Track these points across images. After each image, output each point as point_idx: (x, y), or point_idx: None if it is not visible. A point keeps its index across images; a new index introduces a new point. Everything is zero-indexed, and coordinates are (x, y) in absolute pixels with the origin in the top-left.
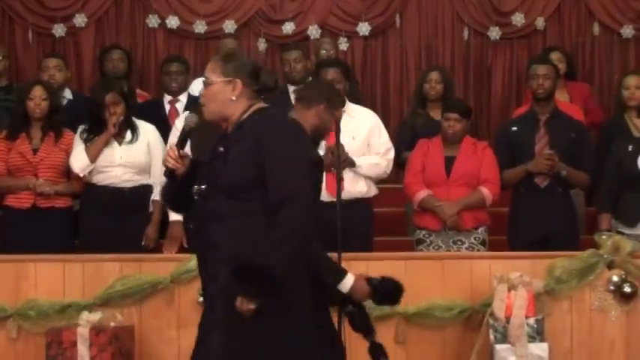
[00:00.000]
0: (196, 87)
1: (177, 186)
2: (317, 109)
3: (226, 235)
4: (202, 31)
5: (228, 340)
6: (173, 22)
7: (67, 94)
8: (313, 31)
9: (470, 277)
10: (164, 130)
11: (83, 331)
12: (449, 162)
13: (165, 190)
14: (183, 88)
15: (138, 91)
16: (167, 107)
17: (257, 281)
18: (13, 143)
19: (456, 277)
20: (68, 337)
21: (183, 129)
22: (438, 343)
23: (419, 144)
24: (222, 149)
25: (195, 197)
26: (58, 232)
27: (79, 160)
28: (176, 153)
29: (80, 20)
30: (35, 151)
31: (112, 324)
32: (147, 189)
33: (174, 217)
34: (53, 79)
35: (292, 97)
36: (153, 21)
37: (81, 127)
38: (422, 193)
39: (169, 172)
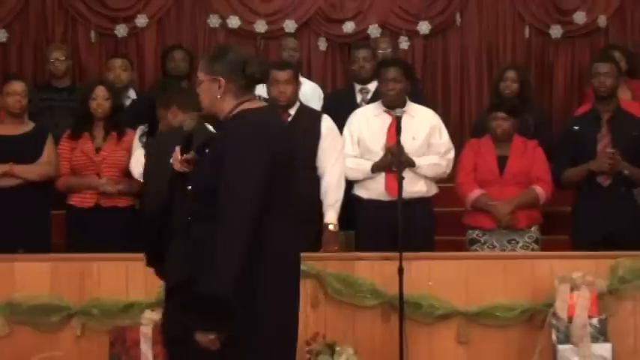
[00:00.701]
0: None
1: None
2: (172, 109)
3: (199, 240)
4: (263, 31)
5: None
6: (234, 21)
7: (132, 94)
8: (373, 30)
9: (532, 277)
10: None
11: (146, 330)
12: (501, 161)
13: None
14: None
15: None
16: None
17: (212, 312)
18: (76, 142)
19: (518, 276)
20: (131, 336)
21: (185, 132)
22: (500, 343)
23: (469, 143)
24: (207, 150)
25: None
26: (121, 231)
27: (139, 165)
28: (178, 156)
29: (142, 21)
30: (98, 150)
31: None
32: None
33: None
34: (119, 79)
35: (359, 96)
36: (214, 21)
37: (140, 129)
38: (475, 193)
39: (178, 174)
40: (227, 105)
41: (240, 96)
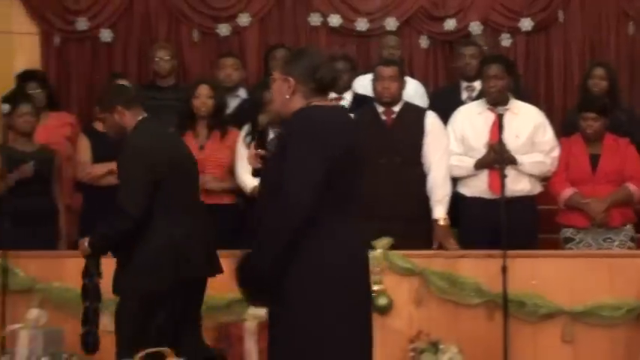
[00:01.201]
0: (360, 85)
1: None
2: (117, 110)
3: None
4: (364, 29)
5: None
6: (335, 20)
7: (242, 93)
8: (475, 28)
9: (638, 275)
10: None
11: (250, 326)
12: (593, 160)
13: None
14: (348, 86)
15: None
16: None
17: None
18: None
19: (624, 275)
20: (235, 332)
21: (258, 129)
22: (606, 343)
23: (560, 142)
24: (275, 148)
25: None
26: (224, 228)
27: (243, 163)
28: (252, 153)
29: (244, 19)
30: (201, 148)
31: None
32: None
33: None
34: (229, 79)
35: (465, 93)
36: (315, 19)
37: (244, 129)
38: (568, 191)
39: (256, 172)
40: (295, 105)
41: (310, 98)
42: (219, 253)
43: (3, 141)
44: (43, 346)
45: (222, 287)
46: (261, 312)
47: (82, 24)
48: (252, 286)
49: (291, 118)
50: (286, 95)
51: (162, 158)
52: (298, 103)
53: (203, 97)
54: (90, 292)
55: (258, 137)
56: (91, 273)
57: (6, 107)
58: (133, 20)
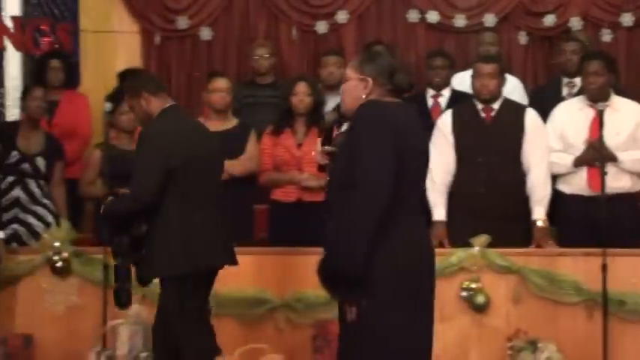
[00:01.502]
0: (458, 82)
1: None
2: (144, 96)
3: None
4: (462, 25)
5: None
6: (433, 16)
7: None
8: (575, 23)
9: None
10: (426, 124)
11: None
12: None
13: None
14: (447, 82)
15: None
16: (430, 102)
17: (344, 284)
18: (278, 138)
19: None
20: (334, 330)
21: (325, 126)
22: None
23: None
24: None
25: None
26: (322, 225)
27: None
28: (319, 149)
29: (342, 17)
30: (299, 145)
31: None
32: None
33: (437, 217)
34: (332, 76)
35: (565, 89)
36: (413, 16)
37: (343, 126)
38: None
39: (322, 168)
40: None
41: (382, 95)
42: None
43: (105, 139)
44: (143, 342)
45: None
46: None
47: (182, 22)
48: (337, 282)
49: (357, 114)
50: (362, 95)
51: (178, 146)
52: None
53: (301, 95)
54: (121, 250)
55: (325, 134)
56: (120, 234)
57: (108, 105)
58: (232, 18)
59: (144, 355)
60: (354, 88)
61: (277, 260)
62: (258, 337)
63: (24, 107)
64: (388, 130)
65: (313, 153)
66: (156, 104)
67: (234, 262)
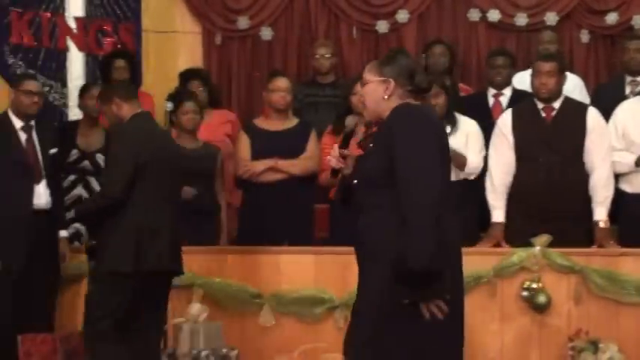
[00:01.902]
0: (518, 81)
1: (344, 183)
2: (115, 102)
3: (367, 229)
4: (524, 24)
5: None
6: (494, 15)
7: None
8: (638, 21)
9: None
10: (487, 124)
11: None
12: None
13: (337, 190)
14: (508, 81)
15: (460, 85)
16: (491, 101)
17: (426, 283)
18: (339, 138)
19: None
20: None
21: (345, 130)
22: None
23: None
24: (371, 145)
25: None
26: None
27: None
28: (337, 153)
29: (403, 16)
30: (359, 144)
31: None
32: (465, 182)
33: (495, 218)
34: None
35: (628, 88)
36: (474, 15)
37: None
38: None
39: (334, 171)
40: (391, 105)
41: (405, 99)
42: None
43: None
44: (204, 341)
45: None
46: None
47: (243, 22)
48: (417, 283)
49: (393, 115)
50: (384, 96)
51: (147, 144)
52: (394, 103)
53: (360, 94)
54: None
55: (344, 137)
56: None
57: (169, 105)
58: (293, 18)
59: (205, 353)
60: (375, 91)
61: (337, 260)
62: (318, 336)
63: (81, 106)
64: (431, 130)
65: (328, 157)
66: (127, 110)
67: (178, 271)
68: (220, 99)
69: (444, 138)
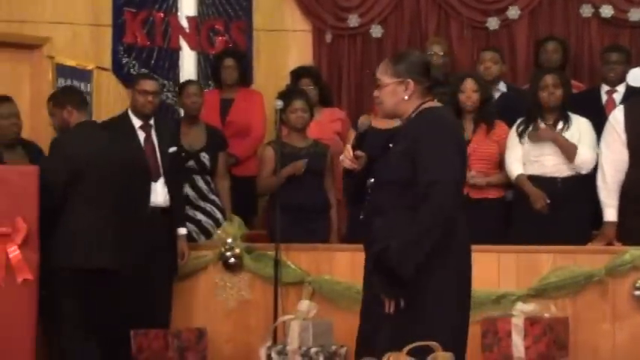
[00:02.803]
0: (632, 77)
1: (355, 183)
2: (67, 109)
3: (392, 230)
4: (638, 19)
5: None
6: (607, 11)
7: (501, 86)
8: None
9: None
10: (600, 121)
11: (518, 322)
12: None
13: (344, 187)
14: (622, 78)
15: (573, 81)
16: (604, 98)
17: (391, 280)
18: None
19: None
20: (503, 327)
21: (358, 131)
22: None
23: None
24: (389, 145)
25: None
26: (491, 222)
27: (514, 158)
28: (351, 153)
29: (514, 12)
30: (467, 142)
31: (547, 315)
32: (577, 179)
33: (608, 217)
34: (488, 72)
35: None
36: (586, 10)
37: (518, 122)
38: None
39: (346, 171)
40: (412, 105)
41: (423, 97)
42: (488, 247)
43: (277, 136)
44: (313, 337)
45: (489, 282)
46: (530, 307)
47: (353, 20)
48: (392, 277)
49: (422, 119)
50: (404, 97)
51: (81, 153)
52: (414, 102)
53: (468, 92)
54: None
55: (359, 138)
56: None
57: (280, 103)
58: (403, 15)
59: (314, 350)
60: (394, 93)
61: None
62: None
63: (180, 104)
64: (454, 135)
65: (341, 157)
66: (75, 118)
67: (119, 266)
68: (331, 97)
69: (462, 141)
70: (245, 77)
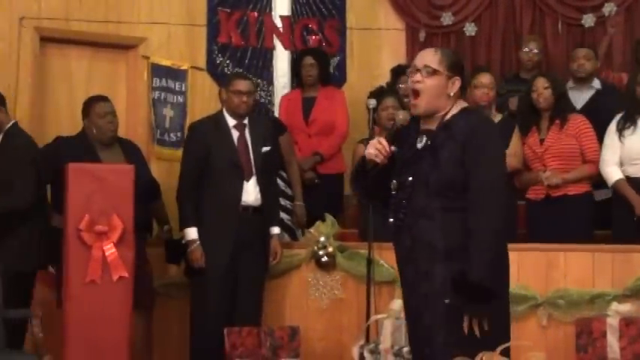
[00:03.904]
0: None
1: (373, 177)
2: (2, 110)
3: (440, 233)
4: None
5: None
6: None
7: (596, 84)
8: (608, 8)
9: None
10: None
11: (613, 322)
12: None
13: (354, 178)
14: None
15: None
16: None
17: (481, 299)
18: (524, 137)
19: None
20: (598, 327)
21: (394, 125)
22: None
23: None
24: (429, 143)
25: (394, 191)
26: (574, 219)
27: (611, 151)
28: (387, 147)
29: (609, 9)
30: (542, 141)
31: None
32: None
33: None
34: (582, 69)
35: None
36: None
37: (617, 118)
38: None
39: (364, 163)
40: (449, 103)
41: (458, 98)
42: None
43: (370, 135)
44: (406, 337)
45: (583, 282)
46: (625, 307)
47: (447, 19)
48: (477, 294)
49: (476, 120)
50: (450, 93)
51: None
52: (451, 101)
53: (540, 90)
54: None
55: (392, 133)
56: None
57: (372, 102)
58: (497, 13)
59: (406, 349)
60: (440, 86)
61: (539, 257)
62: (520, 334)
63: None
64: (500, 139)
65: (371, 149)
66: (5, 118)
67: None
68: None
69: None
70: (326, 76)
